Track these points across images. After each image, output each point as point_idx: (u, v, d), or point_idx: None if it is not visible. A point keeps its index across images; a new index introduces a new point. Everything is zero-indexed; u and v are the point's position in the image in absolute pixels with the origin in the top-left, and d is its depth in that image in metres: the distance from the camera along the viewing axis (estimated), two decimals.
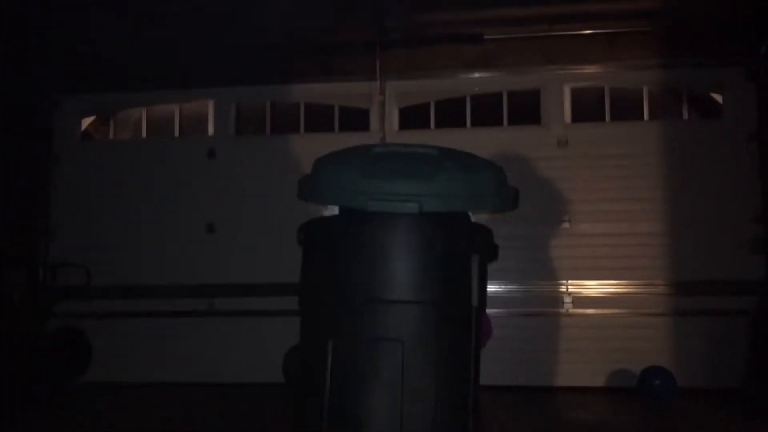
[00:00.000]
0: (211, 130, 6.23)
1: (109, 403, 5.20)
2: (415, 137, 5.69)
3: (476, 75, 5.92)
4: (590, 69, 5.76)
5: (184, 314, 5.86)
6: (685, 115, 5.94)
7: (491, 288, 5.48)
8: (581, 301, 5.55)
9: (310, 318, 2.33)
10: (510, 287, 5.57)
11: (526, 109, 5.89)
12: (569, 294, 5.56)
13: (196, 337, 5.83)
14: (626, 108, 5.86)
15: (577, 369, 5.46)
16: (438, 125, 6.01)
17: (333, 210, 2.61)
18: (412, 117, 5.97)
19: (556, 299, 5.57)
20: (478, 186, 2.48)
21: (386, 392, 2.08)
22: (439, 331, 2.17)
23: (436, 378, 2.13)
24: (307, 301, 2.40)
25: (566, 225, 5.61)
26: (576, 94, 5.85)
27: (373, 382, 2.10)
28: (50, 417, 4.64)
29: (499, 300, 5.52)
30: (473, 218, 2.62)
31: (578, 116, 5.82)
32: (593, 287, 5.55)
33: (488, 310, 5.58)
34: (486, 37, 5.76)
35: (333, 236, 2.27)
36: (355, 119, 6.02)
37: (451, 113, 5.97)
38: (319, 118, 6.12)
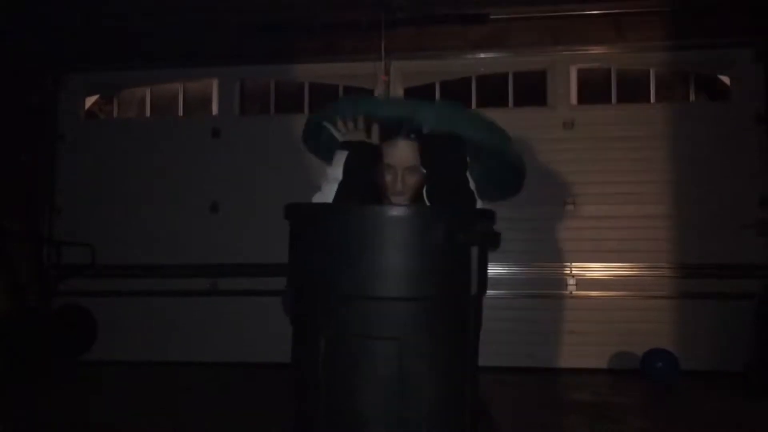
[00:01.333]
0: (215, 109, 6.21)
1: (113, 381, 5.24)
2: None
3: (482, 55, 5.88)
4: (597, 50, 5.71)
5: (188, 293, 5.88)
6: (692, 97, 5.89)
7: (495, 270, 5.53)
8: (585, 283, 5.55)
9: (301, 309, 2.26)
10: (514, 269, 5.57)
11: (532, 91, 5.86)
12: (573, 276, 5.56)
13: (200, 317, 5.85)
14: (633, 90, 5.82)
15: (581, 351, 5.47)
16: None
17: (323, 196, 2.56)
18: (418, 97, 5.94)
19: (560, 281, 5.57)
20: (487, 124, 2.48)
21: (381, 390, 2.03)
22: (435, 327, 2.09)
23: (432, 372, 2.07)
24: (299, 296, 2.31)
25: (571, 207, 5.60)
26: (582, 75, 5.81)
27: (367, 379, 2.04)
28: (54, 394, 4.68)
29: (503, 282, 5.53)
30: (480, 204, 2.55)
31: (584, 98, 5.78)
32: (597, 269, 5.54)
33: (492, 292, 5.61)
34: (492, 17, 5.71)
35: (324, 226, 2.13)
36: None
37: (456, 94, 5.94)
38: (324, 98, 6.09)
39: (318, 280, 2.13)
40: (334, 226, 2.10)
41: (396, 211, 2.11)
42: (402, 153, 2.44)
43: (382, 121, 2.52)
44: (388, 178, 2.46)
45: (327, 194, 2.47)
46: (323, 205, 2.43)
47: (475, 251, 2.16)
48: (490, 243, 2.23)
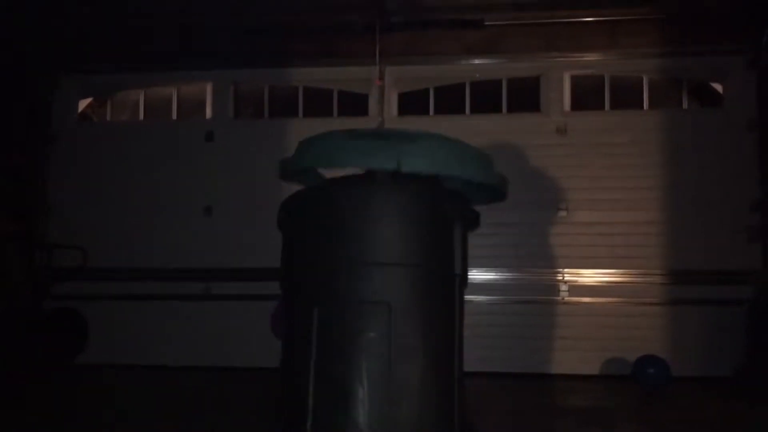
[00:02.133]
0: (209, 113, 6.21)
1: (104, 384, 5.21)
2: (414, 123, 5.69)
3: (476, 61, 5.89)
4: (591, 57, 5.74)
5: (180, 297, 5.86)
6: (685, 104, 5.92)
7: (488, 275, 5.54)
8: (577, 289, 5.56)
9: (295, 288, 2.33)
10: (506, 275, 5.58)
11: (526, 97, 5.87)
12: (565, 282, 5.56)
13: (192, 321, 5.83)
14: (626, 96, 5.84)
15: (573, 357, 5.47)
16: (437, 111, 5.99)
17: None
18: (412, 102, 5.95)
19: (553, 287, 5.58)
20: (462, 153, 2.45)
21: (374, 356, 2.10)
22: (424, 293, 2.20)
23: (423, 339, 2.16)
24: (291, 272, 2.40)
25: (563, 213, 5.61)
26: (576, 81, 5.83)
27: (361, 345, 2.11)
28: (44, 397, 4.66)
29: (496, 287, 5.54)
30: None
31: (578, 104, 5.80)
32: (589, 275, 5.55)
33: (484, 297, 5.62)
34: (487, 23, 5.72)
35: (316, 204, 2.28)
36: (354, 104, 5.99)
37: (450, 99, 5.95)
38: (318, 103, 6.10)
39: (310, 252, 2.23)
40: (328, 200, 2.23)
41: (387, 186, 2.26)
42: None
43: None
44: None
45: None
46: (317, 186, 2.52)
47: (457, 229, 2.29)
48: (470, 220, 2.38)
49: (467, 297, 5.45)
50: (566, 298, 5.55)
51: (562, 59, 5.74)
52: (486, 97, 5.94)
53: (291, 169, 2.60)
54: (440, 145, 2.39)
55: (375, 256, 2.15)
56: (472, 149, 2.51)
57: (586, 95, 5.85)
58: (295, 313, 2.26)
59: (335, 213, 2.20)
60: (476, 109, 5.93)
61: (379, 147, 2.29)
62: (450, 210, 2.29)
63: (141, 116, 6.44)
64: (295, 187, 2.61)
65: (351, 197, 2.21)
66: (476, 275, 5.50)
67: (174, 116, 6.38)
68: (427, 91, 6.00)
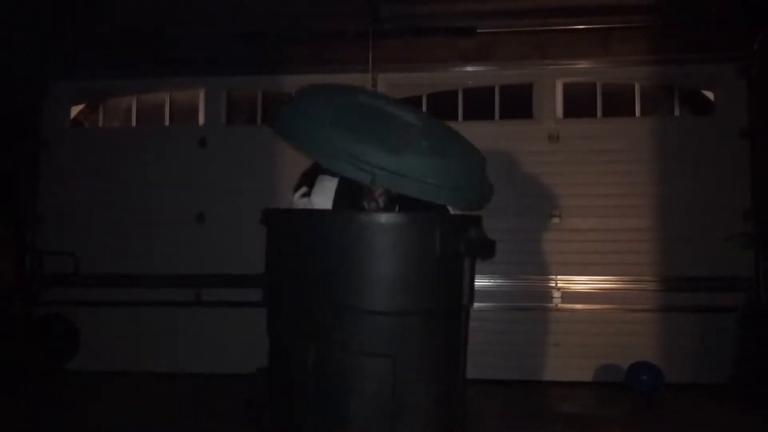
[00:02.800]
0: (201, 119, 6.19)
1: (95, 391, 5.18)
2: None
3: (469, 68, 5.90)
4: (583, 64, 5.75)
5: (171, 304, 5.83)
6: (677, 112, 5.94)
7: (480, 282, 5.52)
8: (570, 296, 5.56)
9: (285, 320, 2.15)
10: (499, 281, 5.57)
11: (518, 104, 5.88)
12: (558, 289, 5.56)
13: (183, 328, 5.81)
14: (618, 104, 5.86)
15: (566, 364, 5.47)
16: None
17: (306, 203, 2.45)
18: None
19: (545, 294, 5.58)
20: (446, 175, 2.26)
21: (374, 407, 1.94)
22: (431, 343, 2.01)
23: (428, 393, 1.99)
24: (278, 300, 2.22)
25: (556, 220, 5.61)
26: (568, 89, 5.84)
27: (360, 396, 1.93)
28: (35, 404, 4.63)
29: (488, 294, 5.53)
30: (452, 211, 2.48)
31: (570, 111, 5.81)
32: (582, 282, 5.55)
33: (477, 304, 5.60)
34: (479, 30, 5.73)
35: (309, 236, 2.04)
36: None
37: (443, 106, 5.95)
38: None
39: (306, 288, 2.02)
40: (325, 233, 2.01)
41: (389, 218, 2.05)
42: None
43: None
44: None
45: None
46: (314, 212, 2.30)
47: (467, 260, 2.09)
48: (486, 251, 2.16)
49: None
50: (559, 305, 5.55)
51: (554, 66, 5.76)
52: (478, 104, 5.95)
53: (278, 131, 2.51)
54: (425, 162, 2.16)
55: (377, 301, 1.93)
56: (462, 162, 2.38)
57: (579, 102, 5.86)
58: (285, 349, 2.11)
59: (334, 246, 1.98)
60: (469, 116, 5.94)
61: (358, 152, 2.10)
62: (459, 242, 2.06)
63: (133, 122, 6.42)
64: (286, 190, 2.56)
65: (349, 233, 1.98)
66: None
67: (167, 122, 6.36)
68: (419, 98, 6.00)
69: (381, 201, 2.34)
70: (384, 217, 2.07)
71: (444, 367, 2.07)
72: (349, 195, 2.36)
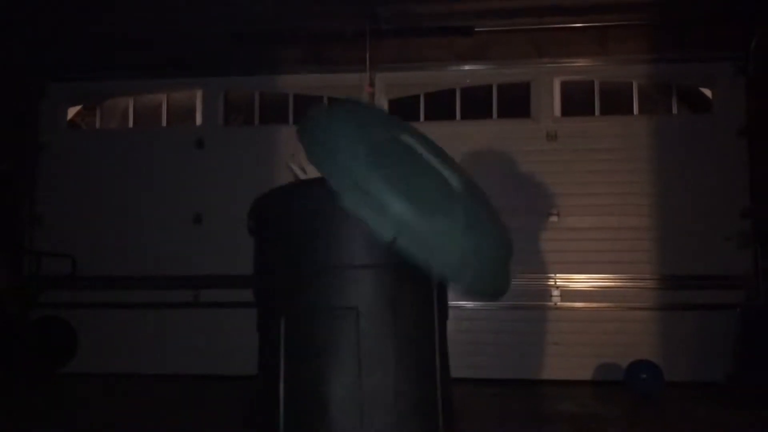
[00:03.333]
0: (199, 119, 6.19)
1: (93, 394, 5.17)
2: None
3: (467, 67, 5.90)
4: (580, 62, 5.75)
5: (169, 305, 5.82)
6: (675, 110, 5.94)
7: None
8: (569, 294, 5.55)
9: (264, 296, 2.20)
10: None
11: (516, 103, 5.88)
12: (557, 287, 5.56)
13: (182, 329, 5.80)
14: (616, 102, 5.86)
15: (565, 362, 5.47)
16: (427, 117, 5.99)
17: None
18: (402, 109, 5.94)
19: (544, 292, 5.57)
20: (477, 257, 2.05)
21: (344, 368, 1.92)
22: (395, 296, 1.97)
23: (395, 346, 1.95)
24: (261, 281, 2.27)
25: (554, 218, 5.61)
26: (566, 87, 5.84)
27: (329, 355, 1.93)
28: (32, 407, 4.61)
29: None
30: None
31: (568, 110, 5.81)
32: (581, 281, 5.55)
33: (475, 303, 5.60)
34: (477, 29, 5.73)
35: (279, 209, 2.11)
36: None
37: (441, 105, 5.94)
38: (308, 109, 6.06)
39: (277, 260, 2.07)
40: (290, 205, 2.06)
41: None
42: None
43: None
44: None
45: None
46: (284, 188, 2.32)
47: None
48: None
49: (458, 303, 5.44)
50: (558, 304, 5.55)
51: (551, 65, 5.76)
52: (476, 103, 5.94)
53: (306, 148, 2.26)
54: (457, 236, 1.95)
55: (342, 257, 1.96)
56: (496, 245, 2.15)
57: (576, 101, 5.86)
58: (264, 321, 2.16)
59: (298, 217, 2.04)
60: (466, 115, 5.93)
61: (387, 202, 1.90)
62: None
63: (131, 123, 6.41)
64: None
65: (313, 199, 2.03)
66: None
67: (164, 123, 6.35)
68: (417, 97, 6.00)
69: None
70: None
71: (413, 324, 2.02)
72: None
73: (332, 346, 1.93)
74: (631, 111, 5.82)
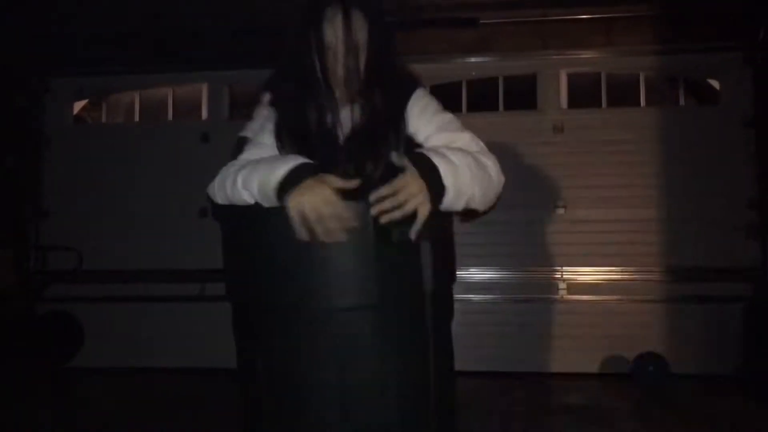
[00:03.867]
0: (204, 114, 6.18)
1: (100, 388, 5.18)
2: None
3: (472, 59, 5.87)
4: (587, 54, 5.72)
5: (175, 299, 5.82)
6: (682, 101, 5.90)
7: (485, 274, 5.52)
8: (576, 287, 5.53)
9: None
10: (504, 273, 5.56)
11: (522, 95, 5.85)
12: (564, 280, 5.54)
13: (187, 323, 5.80)
14: (622, 94, 5.83)
15: (571, 355, 5.45)
16: None
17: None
18: None
19: (551, 285, 5.56)
20: None
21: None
22: (384, 339, 1.73)
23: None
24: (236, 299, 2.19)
25: (561, 211, 5.59)
26: (572, 79, 5.81)
27: (310, 404, 1.74)
28: (39, 402, 4.63)
29: (494, 285, 5.52)
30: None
31: (574, 102, 5.78)
32: (588, 273, 5.53)
33: (482, 296, 5.59)
34: (482, 21, 5.70)
35: (255, 230, 1.83)
36: None
37: (446, 98, 5.89)
38: None
39: (250, 290, 1.87)
40: (263, 229, 1.79)
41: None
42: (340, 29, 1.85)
43: None
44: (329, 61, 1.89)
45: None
46: (256, 206, 1.94)
47: (426, 246, 1.76)
48: (438, 233, 1.83)
49: (464, 296, 5.43)
50: (564, 296, 5.53)
51: (557, 57, 5.72)
52: (482, 96, 5.92)
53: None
54: None
55: (318, 299, 1.71)
56: None
57: (583, 93, 5.83)
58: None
59: (270, 242, 1.77)
60: (472, 108, 5.91)
61: None
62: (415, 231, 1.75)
63: (136, 118, 6.41)
64: None
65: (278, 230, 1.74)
66: (473, 274, 5.49)
67: (169, 118, 6.34)
68: None
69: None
70: None
71: (404, 364, 1.78)
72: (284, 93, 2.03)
73: (314, 394, 1.75)
74: (638, 103, 5.79)
